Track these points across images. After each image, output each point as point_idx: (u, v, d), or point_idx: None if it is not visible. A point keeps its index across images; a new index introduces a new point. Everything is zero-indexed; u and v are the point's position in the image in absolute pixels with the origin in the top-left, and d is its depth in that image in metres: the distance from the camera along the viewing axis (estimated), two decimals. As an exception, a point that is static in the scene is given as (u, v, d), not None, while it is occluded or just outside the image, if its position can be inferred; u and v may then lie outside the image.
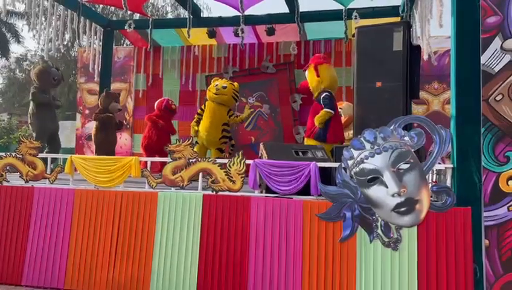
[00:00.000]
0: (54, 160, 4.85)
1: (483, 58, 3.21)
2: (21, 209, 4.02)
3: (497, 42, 3.21)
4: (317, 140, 4.99)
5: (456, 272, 3.07)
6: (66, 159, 4.17)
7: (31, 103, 5.94)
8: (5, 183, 4.16)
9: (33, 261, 3.89)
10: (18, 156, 4.14)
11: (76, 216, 3.88)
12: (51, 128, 5.89)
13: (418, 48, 4.05)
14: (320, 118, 4.96)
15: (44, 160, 4.19)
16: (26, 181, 4.11)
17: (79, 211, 3.88)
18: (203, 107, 5.96)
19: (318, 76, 5.12)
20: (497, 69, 3.21)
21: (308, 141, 5.14)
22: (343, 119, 5.75)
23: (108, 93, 6.22)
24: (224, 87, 5.78)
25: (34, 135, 5.80)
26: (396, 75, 3.73)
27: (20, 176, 4.15)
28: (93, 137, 6.10)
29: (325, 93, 5.08)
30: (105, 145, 5.96)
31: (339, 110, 5.59)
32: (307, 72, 5.36)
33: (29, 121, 5.92)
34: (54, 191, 3.98)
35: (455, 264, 3.08)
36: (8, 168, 4.19)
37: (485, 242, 3.11)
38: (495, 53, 3.21)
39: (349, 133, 5.89)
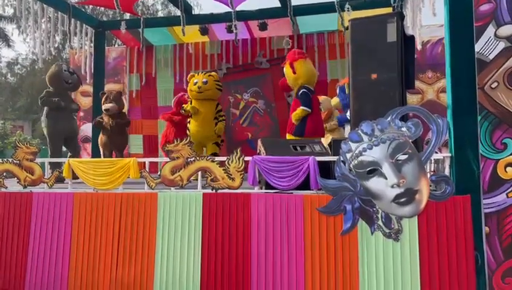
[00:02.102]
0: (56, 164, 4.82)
1: (477, 46, 3.22)
2: (20, 215, 4.00)
3: (490, 30, 3.22)
4: (295, 136, 5.02)
5: (457, 260, 3.09)
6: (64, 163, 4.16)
7: (44, 108, 5.76)
8: (3, 190, 4.14)
9: (35, 267, 3.88)
10: (15, 161, 4.12)
11: (77, 220, 3.87)
12: (64, 132, 5.66)
13: (412, 38, 4.05)
14: (296, 116, 4.98)
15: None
16: (25, 187, 4.09)
17: (79, 215, 3.87)
18: (189, 105, 5.90)
19: (294, 73, 5.11)
20: (491, 57, 3.22)
21: (289, 137, 5.13)
22: (322, 114, 5.71)
23: (101, 94, 6.19)
24: (205, 82, 5.71)
25: (48, 139, 5.69)
26: (392, 66, 3.72)
27: (18, 182, 4.13)
28: None
29: (302, 90, 5.07)
30: (105, 146, 5.98)
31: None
32: (284, 69, 5.33)
33: (42, 126, 5.80)
34: (53, 195, 3.96)
35: (456, 253, 3.10)
36: (5, 174, 4.17)
37: (485, 229, 3.13)
38: (489, 41, 3.22)
39: (330, 124, 5.94)
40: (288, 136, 5.13)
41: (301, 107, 4.96)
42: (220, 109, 5.91)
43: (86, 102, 8.22)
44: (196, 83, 5.73)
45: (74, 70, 5.91)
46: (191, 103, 5.82)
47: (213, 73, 5.97)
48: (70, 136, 5.78)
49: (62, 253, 3.85)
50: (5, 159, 4.20)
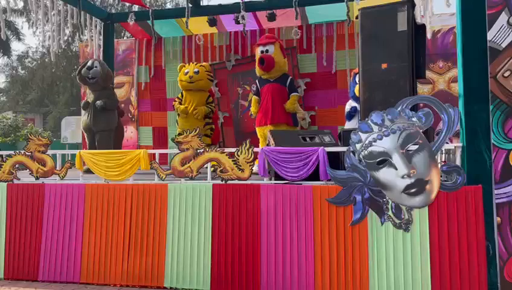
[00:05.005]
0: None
1: (489, 35, 3.17)
2: (33, 206, 4.07)
3: (503, 17, 3.16)
4: (295, 126, 5.01)
5: (468, 251, 3.08)
6: (75, 154, 4.19)
7: None
8: (16, 181, 4.20)
9: (48, 256, 3.95)
10: (27, 153, 4.17)
11: (88, 210, 3.92)
12: (90, 126, 5.75)
13: (423, 26, 3.99)
14: (296, 103, 4.95)
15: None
16: (37, 178, 4.14)
17: (90, 206, 3.92)
18: (180, 96, 5.88)
19: (285, 57, 5.04)
20: (504, 45, 3.16)
21: (288, 128, 5.07)
22: None
23: None
24: (197, 72, 5.69)
25: None
26: (402, 55, 3.68)
27: (30, 173, 4.18)
28: None
29: (290, 77, 5.05)
30: None
31: None
32: (272, 47, 5.16)
33: None
34: (65, 186, 4.01)
35: (467, 243, 3.09)
36: (17, 166, 4.22)
37: (497, 219, 3.11)
38: (502, 28, 3.17)
39: None
40: (288, 128, 5.08)
41: (297, 94, 4.94)
42: (211, 101, 5.93)
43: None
44: (187, 73, 5.71)
45: (97, 62, 5.85)
46: (180, 99, 5.81)
47: (204, 63, 5.98)
48: (98, 130, 5.77)
49: (75, 243, 3.91)
50: (18, 151, 4.25)
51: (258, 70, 5.35)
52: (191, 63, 6.04)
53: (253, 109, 5.30)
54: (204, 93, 5.87)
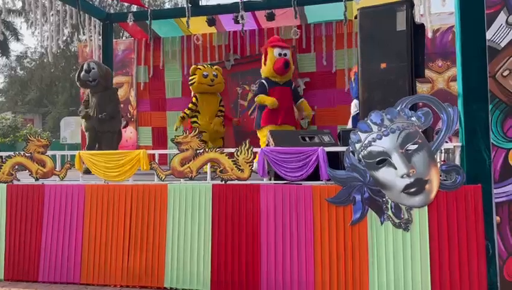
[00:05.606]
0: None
1: (488, 34, 3.17)
2: (33, 207, 4.06)
3: (502, 17, 3.17)
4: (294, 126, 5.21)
5: (468, 250, 3.09)
6: (74, 155, 4.19)
7: None
8: (15, 182, 4.20)
9: (48, 257, 3.95)
10: (27, 154, 4.17)
11: (88, 211, 3.92)
12: (94, 127, 5.73)
13: (422, 26, 4.00)
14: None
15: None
16: (36, 179, 4.14)
17: (90, 206, 3.92)
18: (194, 100, 5.86)
19: (293, 64, 5.19)
20: (503, 44, 3.17)
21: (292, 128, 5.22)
22: None
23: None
24: (216, 76, 5.78)
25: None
26: (401, 55, 3.69)
27: (30, 174, 4.18)
28: None
29: (294, 84, 5.27)
30: None
31: None
32: (289, 52, 5.34)
33: None
34: (65, 187, 4.01)
35: (467, 242, 3.09)
36: (17, 167, 4.22)
37: (496, 219, 3.11)
38: (500, 28, 3.17)
39: None
40: (292, 128, 5.21)
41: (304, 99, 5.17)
42: (223, 104, 5.99)
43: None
44: (207, 75, 5.73)
45: (93, 63, 5.80)
46: (196, 98, 5.83)
47: (218, 67, 6.03)
48: (104, 131, 5.75)
49: (75, 244, 3.91)
50: (17, 153, 4.25)
51: (269, 71, 5.33)
52: (207, 65, 6.05)
53: (271, 103, 5.19)
54: (218, 97, 5.94)
